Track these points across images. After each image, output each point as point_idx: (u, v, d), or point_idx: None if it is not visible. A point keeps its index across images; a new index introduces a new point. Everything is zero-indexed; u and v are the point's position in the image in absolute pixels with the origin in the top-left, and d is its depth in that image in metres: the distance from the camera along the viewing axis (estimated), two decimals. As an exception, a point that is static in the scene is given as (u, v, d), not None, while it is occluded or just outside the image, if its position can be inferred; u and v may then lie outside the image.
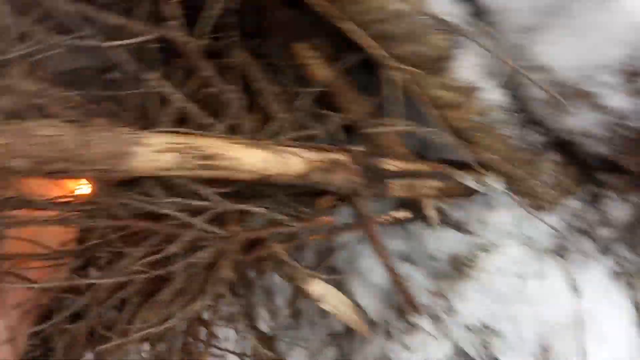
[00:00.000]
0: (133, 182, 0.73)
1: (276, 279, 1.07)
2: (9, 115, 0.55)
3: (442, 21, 0.72)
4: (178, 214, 0.68)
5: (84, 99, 0.69)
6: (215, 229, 0.72)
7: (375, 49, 0.72)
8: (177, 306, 0.83)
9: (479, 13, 0.81)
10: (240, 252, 0.82)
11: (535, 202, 0.93)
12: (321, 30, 0.93)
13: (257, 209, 0.73)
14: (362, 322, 1.04)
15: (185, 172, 0.63)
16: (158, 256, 0.71)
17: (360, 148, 0.80)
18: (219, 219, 0.75)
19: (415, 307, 0.86)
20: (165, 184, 0.71)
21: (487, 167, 0.91)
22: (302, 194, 0.83)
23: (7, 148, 0.50)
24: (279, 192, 0.80)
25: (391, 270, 0.76)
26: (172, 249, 0.70)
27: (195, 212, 0.71)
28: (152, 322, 0.79)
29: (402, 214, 0.79)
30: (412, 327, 0.93)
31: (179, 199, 0.70)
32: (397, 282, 0.77)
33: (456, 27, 0.72)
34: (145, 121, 0.83)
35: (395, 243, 1.03)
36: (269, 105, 0.83)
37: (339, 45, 0.95)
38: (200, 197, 0.70)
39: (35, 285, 0.75)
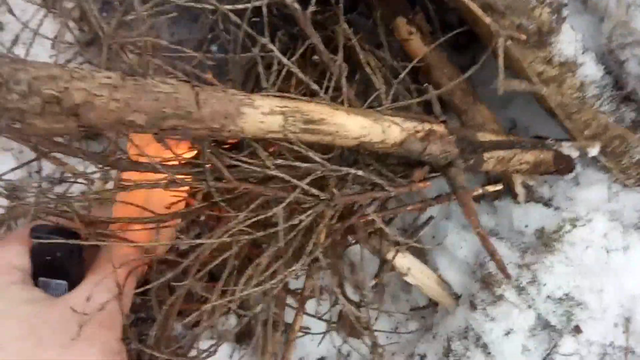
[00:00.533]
0: (238, 147, 0.78)
1: (357, 253, 1.11)
2: (127, 72, 0.57)
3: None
4: (284, 175, 0.72)
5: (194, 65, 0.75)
6: (317, 191, 0.76)
7: (482, 21, 0.75)
8: (273, 272, 0.87)
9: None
10: (335, 220, 0.87)
11: (626, 177, 0.95)
12: (421, 8, 0.98)
13: (358, 172, 0.77)
14: (446, 295, 1.08)
15: (289, 135, 0.67)
16: (262, 216, 0.76)
17: (456, 120, 0.83)
18: (319, 184, 0.79)
19: (506, 273, 0.88)
20: (268, 146, 0.76)
21: (580, 142, 0.93)
22: (397, 164, 0.87)
23: (127, 102, 0.53)
24: (375, 161, 0.84)
25: (482, 237, 0.79)
26: (276, 210, 0.74)
27: (298, 176, 0.76)
28: (247, 287, 0.83)
29: (495, 187, 0.82)
30: (497, 298, 0.95)
31: (285, 161, 0.73)
32: (488, 248, 0.80)
33: (559, 0, 0.75)
34: (253, 85, 0.89)
35: (482, 219, 1.09)
36: (369, 76, 0.87)
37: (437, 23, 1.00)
38: (304, 161, 0.74)
39: (143, 244, 0.78)
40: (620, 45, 0.88)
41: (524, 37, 0.80)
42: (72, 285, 0.73)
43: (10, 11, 0.65)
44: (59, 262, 0.66)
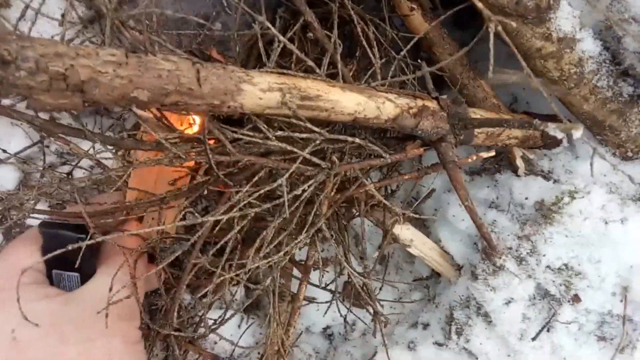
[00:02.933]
0: (238, 123, 0.80)
1: (359, 225, 1.13)
2: (130, 49, 0.58)
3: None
4: (285, 145, 0.74)
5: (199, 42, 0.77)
6: (318, 160, 0.78)
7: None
8: (278, 244, 0.89)
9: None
10: (336, 191, 0.89)
11: (624, 151, 0.96)
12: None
13: (355, 140, 0.79)
14: (448, 266, 1.10)
15: (287, 111, 0.69)
16: (266, 188, 0.78)
17: (449, 96, 0.84)
18: (319, 156, 0.81)
19: (493, 247, 0.91)
20: (269, 123, 0.77)
21: (577, 117, 0.94)
22: (390, 138, 0.89)
23: (130, 79, 0.54)
24: (370, 136, 0.86)
25: (470, 209, 0.81)
26: (280, 180, 0.76)
27: (299, 147, 0.77)
28: (253, 259, 0.85)
29: (487, 154, 0.84)
30: (497, 269, 0.97)
31: (285, 132, 0.75)
32: (476, 221, 0.82)
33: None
34: (255, 61, 0.90)
35: (483, 192, 1.09)
36: (366, 51, 0.88)
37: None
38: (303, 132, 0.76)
39: (153, 229, 0.77)
40: (617, 21, 0.89)
41: (514, 24, 0.80)
42: (84, 276, 0.75)
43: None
44: (70, 255, 0.68)
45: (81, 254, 0.67)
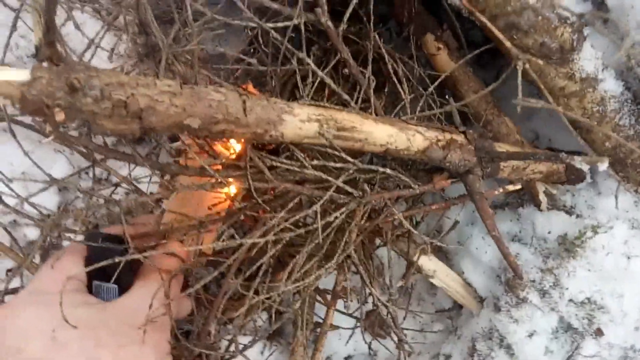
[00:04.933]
0: (273, 153, 0.84)
1: (385, 256, 1.16)
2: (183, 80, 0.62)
3: (567, 14, 0.79)
4: (320, 173, 0.77)
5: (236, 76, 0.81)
6: (350, 189, 0.81)
7: (503, 40, 0.80)
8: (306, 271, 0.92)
9: (602, 9, 0.89)
10: (365, 219, 0.92)
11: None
12: (448, 25, 1.03)
13: (387, 170, 0.82)
14: (471, 298, 1.12)
15: (323, 141, 0.73)
16: (300, 215, 0.81)
17: (476, 131, 0.88)
18: (351, 186, 0.84)
19: (519, 274, 0.93)
20: (304, 152, 0.81)
21: (599, 154, 0.97)
22: (419, 170, 0.92)
23: (184, 108, 0.59)
24: (400, 167, 0.89)
25: (497, 239, 0.83)
26: (314, 207, 0.79)
27: (333, 176, 0.81)
28: (287, 284, 0.88)
29: (514, 187, 0.86)
30: (520, 301, 0.99)
31: (320, 162, 0.79)
32: (502, 250, 0.85)
33: (580, 21, 0.80)
34: (289, 95, 0.95)
35: (506, 225, 1.11)
36: (393, 87, 0.93)
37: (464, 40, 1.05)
38: (337, 161, 0.80)
39: (191, 248, 0.82)
40: (639, 62, 0.93)
41: (541, 62, 0.85)
42: (122, 288, 0.78)
43: (77, 26, 0.72)
44: (110, 267, 0.72)
45: (120, 267, 0.71)
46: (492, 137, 1.06)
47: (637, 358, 0.99)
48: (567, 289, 0.99)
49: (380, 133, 0.77)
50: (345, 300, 1.09)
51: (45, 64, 0.52)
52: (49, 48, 0.52)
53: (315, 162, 0.79)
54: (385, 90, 1.07)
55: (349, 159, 0.79)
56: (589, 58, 0.91)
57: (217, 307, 0.90)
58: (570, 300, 0.99)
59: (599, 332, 0.98)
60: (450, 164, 0.85)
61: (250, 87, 1.02)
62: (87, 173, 1.10)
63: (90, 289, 0.78)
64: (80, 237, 0.84)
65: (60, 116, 0.52)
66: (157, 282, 0.78)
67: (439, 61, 1.07)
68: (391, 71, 0.95)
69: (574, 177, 1.02)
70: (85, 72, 0.53)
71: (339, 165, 0.79)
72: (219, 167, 0.80)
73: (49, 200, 1.05)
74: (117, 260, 0.70)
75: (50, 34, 0.52)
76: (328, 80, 0.82)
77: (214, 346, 1.08)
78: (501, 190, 0.86)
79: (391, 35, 1.28)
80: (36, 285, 0.75)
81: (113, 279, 0.75)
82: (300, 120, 0.70)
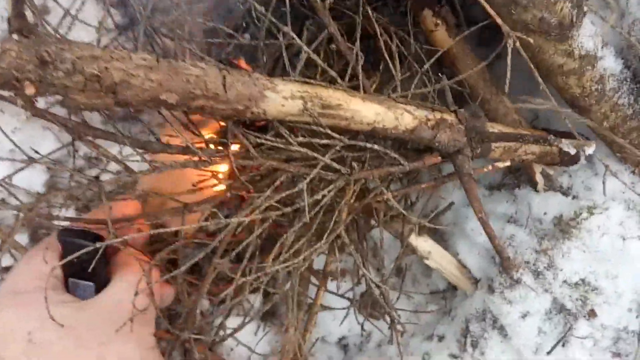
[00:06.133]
0: (261, 130, 0.82)
1: (377, 238, 1.15)
2: (161, 55, 0.60)
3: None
4: (307, 150, 0.76)
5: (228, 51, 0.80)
6: (338, 165, 0.80)
7: (494, 16, 0.78)
8: (296, 251, 0.91)
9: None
10: (354, 199, 0.91)
11: (641, 169, 0.98)
12: (447, 1, 1.01)
13: (375, 146, 0.81)
14: (465, 279, 1.11)
15: (308, 119, 0.71)
16: (287, 192, 0.80)
17: (468, 110, 0.86)
18: (340, 163, 0.83)
19: (504, 258, 0.92)
20: (291, 131, 0.80)
21: (596, 134, 0.95)
22: (407, 149, 0.91)
23: (160, 83, 0.57)
24: (388, 147, 0.88)
25: (484, 222, 0.82)
26: (301, 185, 0.78)
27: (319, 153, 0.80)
28: (275, 264, 0.87)
29: (503, 164, 0.85)
30: (514, 282, 0.98)
31: (306, 139, 0.77)
32: (488, 233, 0.83)
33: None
34: (281, 72, 0.93)
35: (502, 206, 1.11)
36: (388, 64, 0.91)
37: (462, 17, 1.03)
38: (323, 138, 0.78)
39: (174, 229, 0.79)
40: (639, 40, 0.90)
41: (532, 40, 0.82)
42: (98, 285, 0.77)
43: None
44: (86, 264, 0.70)
45: (95, 260, 0.69)
46: (490, 117, 1.04)
47: (629, 339, 0.98)
48: (561, 270, 0.98)
49: (367, 111, 0.76)
50: (336, 280, 1.09)
51: (15, 37, 0.51)
52: (18, 20, 0.51)
53: (300, 138, 0.77)
54: (381, 68, 1.05)
55: (335, 135, 0.77)
56: (589, 35, 0.88)
57: (204, 288, 0.89)
58: (564, 281, 0.98)
59: (592, 314, 0.97)
60: (439, 144, 0.83)
61: (242, 63, 1.01)
62: (77, 151, 1.09)
63: (67, 288, 0.77)
64: (63, 223, 0.82)
65: (30, 90, 0.51)
66: (134, 274, 0.76)
67: (437, 38, 1.05)
68: (383, 46, 0.93)
69: (567, 158, 1.00)
70: (56, 45, 0.52)
71: (325, 141, 0.78)
72: (203, 144, 0.79)
73: (37, 178, 1.04)
74: (90, 248, 0.68)
75: (19, 4, 0.50)
76: (314, 56, 0.80)
77: (205, 328, 1.08)
78: (490, 167, 0.85)
79: (393, 12, 1.26)
80: (11, 285, 0.73)
81: (89, 272, 0.72)
82: (283, 97, 0.69)
